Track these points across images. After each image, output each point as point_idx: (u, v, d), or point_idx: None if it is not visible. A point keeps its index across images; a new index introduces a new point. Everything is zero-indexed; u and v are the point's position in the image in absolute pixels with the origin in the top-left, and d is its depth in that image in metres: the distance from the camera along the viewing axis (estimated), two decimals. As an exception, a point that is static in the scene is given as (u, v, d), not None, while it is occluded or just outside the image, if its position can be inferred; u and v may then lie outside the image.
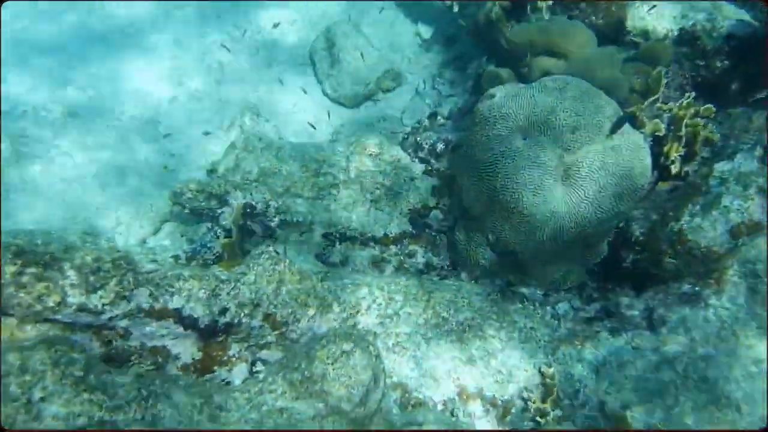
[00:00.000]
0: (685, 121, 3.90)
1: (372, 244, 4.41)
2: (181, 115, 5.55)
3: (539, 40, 4.21)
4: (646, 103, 4.01)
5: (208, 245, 4.17)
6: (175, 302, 2.84)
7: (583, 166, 3.72)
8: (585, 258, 4.03)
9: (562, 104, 3.79)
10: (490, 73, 4.35)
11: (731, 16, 4.30)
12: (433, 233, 4.55)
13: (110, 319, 2.73)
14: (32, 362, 2.23)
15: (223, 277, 3.00)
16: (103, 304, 2.69)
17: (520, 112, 3.90)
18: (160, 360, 2.91)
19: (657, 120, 3.95)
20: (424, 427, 2.77)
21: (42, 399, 2.19)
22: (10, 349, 2.24)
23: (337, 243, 4.34)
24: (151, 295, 2.77)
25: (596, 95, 3.85)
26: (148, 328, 2.85)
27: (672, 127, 4.03)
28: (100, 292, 2.68)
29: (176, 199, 4.18)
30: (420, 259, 4.46)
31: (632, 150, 3.74)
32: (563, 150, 3.79)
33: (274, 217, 4.26)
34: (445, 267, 4.49)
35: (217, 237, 4.22)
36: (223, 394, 2.59)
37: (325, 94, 6.03)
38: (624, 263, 4.03)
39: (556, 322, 4.03)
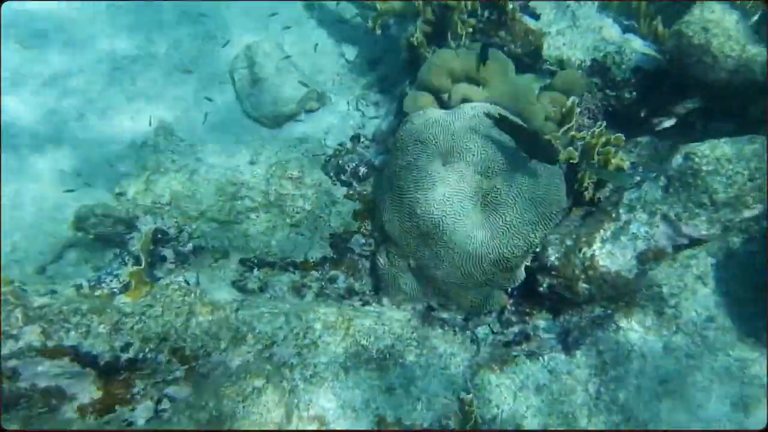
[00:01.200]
0: (597, 149, 4.01)
1: (292, 269, 4.30)
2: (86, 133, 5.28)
3: (461, 66, 4.25)
4: (560, 131, 4.11)
5: (115, 273, 3.95)
6: (71, 339, 2.64)
7: (501, 192, 3.76)
8: (503, 282, 4.07)
9: (480, 131, 3.83)
10: (410, 98, 4.36)
11: (638, 50, 4.49)
12: (355, 257, 4.49)
13: (-4, 359, 2.51)
14: None
15: (127, 311, 2.82)
16: (-12, 344, 2.47)
17: (440, 137, 3.91)
18: (54, 402, 2.69)
19: (571, 148, 4.05)
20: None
21: None
22: None
23: (255, 269, 4.21)
24: (43, 332, 2.57)
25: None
26: (39, 368, 2.63)
27: (585, 155, 4.14)
28: (-16, 331, 2.46)
29: (80, 224, 3.93)
30: (341, 284, 4.39)
31: (548, 177, 3.81)
32: (482, 176, 3.82)
33: (188, 242, 4.09)
34: (367, 292, 4.43)
35: (125, 264, 4.00)
36: (123, 438, 2.42)
37: (246, 113, 5.88)
38: (540, 287, 4.08)
39: (475, 347, 4.04)
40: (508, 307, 4.29)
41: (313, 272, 4.34)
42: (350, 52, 6.66)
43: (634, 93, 4.44)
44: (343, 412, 3.38)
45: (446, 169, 3.86)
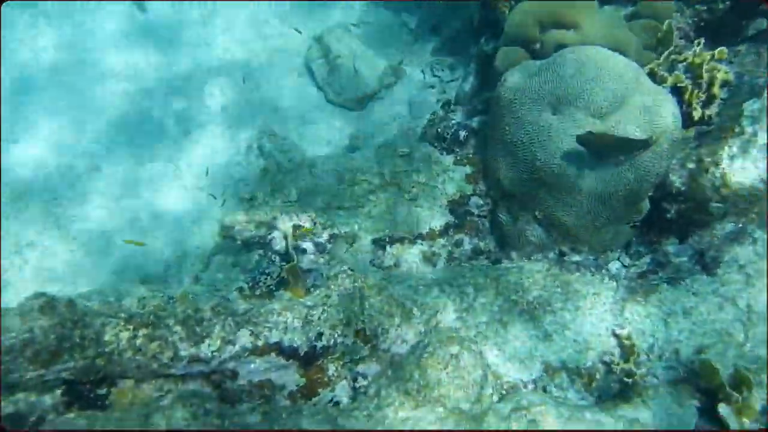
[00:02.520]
0: (703, 67, 4.00)
1: (420, 241, 4.49)
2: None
3: (545, 14, 4.28)
4: (662, 57, 4.11)
5: (267, 272, 4.22)
6: (274, 336, 2.91)
7: (618, 130, 3.81)
8: (631, 216, 4.14)
9: (586, 73, 3.88)
10: (502, 54, 4.42)
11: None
12: (474, 219, 4.64)
13: (219, 363, 2.79)
14: (175, 419, 2.29)
15: (309, 303, 3.06)
16: (212, 352, 2.75)
17: (545, 88, 3.98)
18: (267, 393, 2.98)
19: (677, 72, 4.06)
20: (533, 410, 2.88)
21: (194, 454, 2.26)
22: (153, 411, 2.30)
23: (387, 246, 4.42)
24: (252, 334, 2.83)
25: (615, 59, 3.94)
26: (252, 365, 2.91)
27: (689, 76, 4.14)
28: (207, 341, 2.74)
29: (226, 233, 4.21)
30: (467, 246, 4.55)
31: (661, 105, 3.84)
32: (595, 118, 3.88)
33: (323, 232, 4.32)
34: (492, 249, 4.59)
35: (273, 262, 4.27)
36: (344, 416, 2.67)
37: (329, 101, 6.06)
38: (668, 214, 4.14)
39: (614, 283, 4.14)
40: (634, 239, 4.36)
41: (440, 240, 4.52)
42: (411, 20, 6.73)
43: (727, 1, 4.36)
44: (512, 365, 3.58)
45: (558, 118, 3.94)
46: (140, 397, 2.63)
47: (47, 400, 2.65)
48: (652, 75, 4.07)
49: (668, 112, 3.80)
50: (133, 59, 5.94)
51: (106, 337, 2.54)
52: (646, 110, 3.79)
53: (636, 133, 3.73)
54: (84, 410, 2.51)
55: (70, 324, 2.44)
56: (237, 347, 2.79)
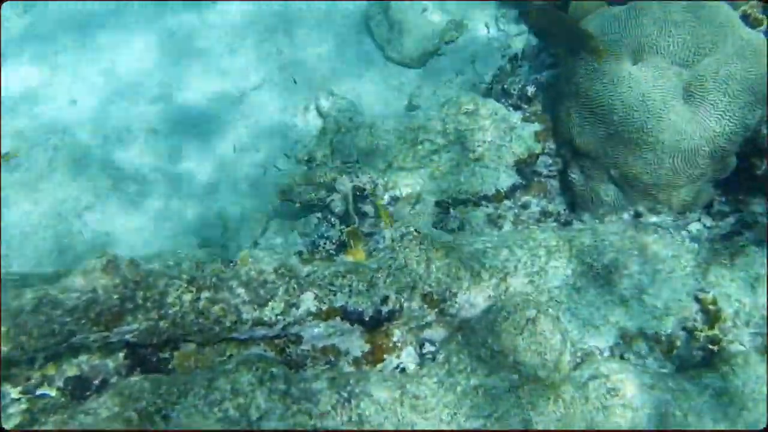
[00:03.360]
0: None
1: (485, 203, 4.30)
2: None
3: (624, -46, 3.94)
4: (761, -4, 3.74)
5: (326, 235, 4.13)
6: (339, 299, 2.80)
7: (707, 79, 3.50)
8: (716, 174, 3.84)
9: (671, 18, 3.56)
10: (577, 2, 4.11)
11: None
12: (542, 180, 4.41)
13: (283, 328, 2.71)
14: (240, 384, 2.22)
15: (374, 266, 2.94)
16: (276, 315, 2.67)
17: (625, 35, 3.68)
18: (332, 359, 2.89)
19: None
20: (612, 377, 2.69)
21: (259, 418, 2.19)
22: (219, 374, 2.24)
23: (451, 209, 4.25)
24: (316, 297, 2.74)
25: (704, 1, 3.60)
26: (316, 330, 2.83)
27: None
28: (271, 304, 2.65)
29: (285, 196, 4.13)
30: (534, 208, 4.34)
31: (755, 52, 3.50)
32: (681, 66, 3.57)
33: (384, 194, 4.18)
34: (562, 212, 4.36)
35: (332, 225, 4.17)
36: (413, 383, 2.56)
37: (389, 59, 5.85)
38: (758, 171, 3.81)
39: (696, 245, 3.87)
40: (716, 198, 4.06)
41: (506, 202, 4.31)
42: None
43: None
44: (587, 331, 3.38)
45: (638, 67, 3.64)
46: (203, 362, 2.58)
47: (110, 363, 2.64)
48: (744, 17, 3.70)
49: (763, 59, 3.45)
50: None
51: (169, 299, 2.48)
52: (740, 57, 3.45)
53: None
54: (147, 374, 2.48)
55: (132, 285, 2.39)
56: (301, 310, 2.70)
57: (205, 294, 2.54)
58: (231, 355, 2.68)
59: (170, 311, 2.47)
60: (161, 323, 2.47)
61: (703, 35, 3.51)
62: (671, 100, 3.55)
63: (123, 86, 5.68)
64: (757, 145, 3.78)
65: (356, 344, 2.93)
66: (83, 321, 2.32)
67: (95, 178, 5.03)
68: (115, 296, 2.37)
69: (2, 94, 5.44)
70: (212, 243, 4.39)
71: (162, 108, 5.52)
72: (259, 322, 2.65)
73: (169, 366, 2.62)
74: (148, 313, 2.44)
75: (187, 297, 2.50)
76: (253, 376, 2.27)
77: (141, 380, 2.37)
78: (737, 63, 3.48)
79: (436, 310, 3.05)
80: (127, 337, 2.48)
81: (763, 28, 3.69)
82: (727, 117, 3.51)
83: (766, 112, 3.60)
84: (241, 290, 2.62)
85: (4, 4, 5.90)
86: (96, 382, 2.60)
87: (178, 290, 2.49)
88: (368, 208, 4.22)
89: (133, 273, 2.41)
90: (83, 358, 2.58)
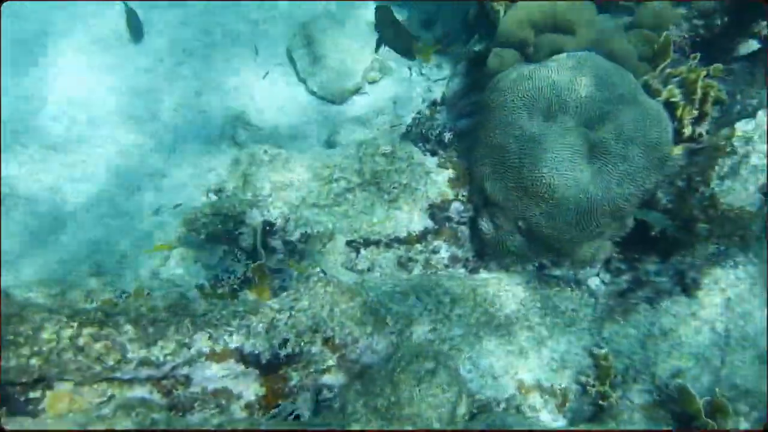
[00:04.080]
0: (698, 82, 3.88)
1: (396, 245, 4.29)
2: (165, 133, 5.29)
3: (542, 17, 4.11)
4: (657, 70, 3.98)
5: (230, 270, 4.00)
6: (235, 341, 2.68)
7: (610, 142, 3.67)
8: (614, 232, 4.01)
9: (580, 81, 3.73)
10: (494, 56, 4.24)
11: (727, -27, 4.28)
12: (453, 225, 4.46)
13: (172, 368, 2.56)
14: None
15: (276, 307, 2.85)
16: (165, 355, 2.51)
17: (537, 93, 3.82)
18: (223, 402, 2.75)
19: (671, 86, 3.93)
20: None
21: (135, 472, 2.03)
22: (92, 419, 2.06)
23: (362, 249, 4.21)
24: (210, 337, 2.61)
25: (611, 68, 3.81)
26: (208, 372, 2.69)
27: (682, 91, 4.01)
28: (160, 343, 2.50)
29: (190, 226, 3.96)
30: (444, 254, 4.37)
31: (654, 119, 3.71)
32: (587, 128, 3.73)
33: (294, 230, 4.10)
34: (470, 259, 4.41)
35: (238, 260, 4.04)
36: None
37: (311, 93, 5.83)
38: (653, 232, 4.01)
39: (593, 300, 4.01)
40: (615, 255, 4.23)
41: (417, 245, 4.32)
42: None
43: (726, 18, 4.25)
44: (484, 381, 3.40)
45: (549, 125, 3.77)
46: (79, 403, 2.38)
47: (-31, 404, 2.39)
48: (646, 87, 3.93)
49: (662, 127, 3.66)
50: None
51: (45, 335, 2.28)
52: (640, 123, 3.65)
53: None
54: (12, 415, 2.25)
55: (5, 318, 2.19)
56: (193, 351, 2.55)
57: (87, 330, 2.36)
58: (112, 396, 2.49)
59: (44, 348, 2.27)
60: (33, 360, 2.26)
61: (608, 100, 3.69)
62: (577, 158, 3.69)
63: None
64: (652, 207, 3.98)
65: (250, 388, 2.81)
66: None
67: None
68: (-18, 330, 2.15)
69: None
70: (106, 271, 4.14)
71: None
72: (145, 362, 2.48)
73: (39, 407, 2.40)
74: (19, 349, 2.23)
75: (67, 332, 2.31)
76: (132, 422, 2.11)
77: (3, 422, 2.15)
78: (638, 129, 3.67)
79: (337, 354, 2.98)
80: (-6, 374, 2.25)
81: (661, 98, 3.92)
82: (627, 180, 3.68)
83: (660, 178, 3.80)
84: (128, 327, 2.45)
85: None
86: (-47, 423, 2.34)
87: (56, 325, 2.30)
88: (277, 243, 4.13)
89: (6, 306, 2.21)
90: (-61, 395, 2.32)
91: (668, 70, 4.07)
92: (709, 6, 4.31)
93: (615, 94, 3.70)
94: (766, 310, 3.79)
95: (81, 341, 2.34)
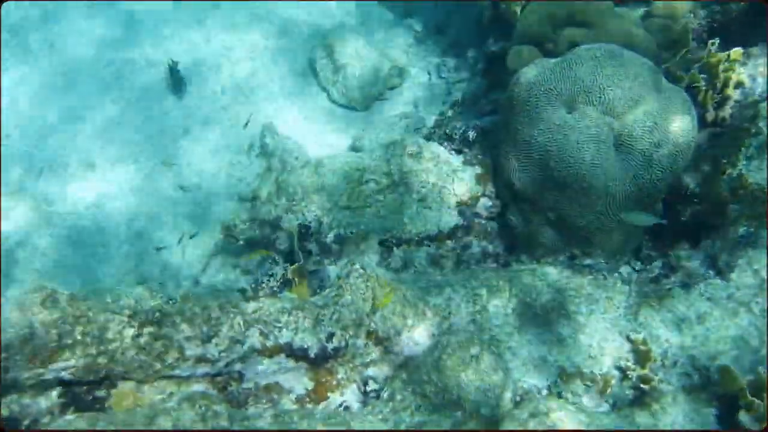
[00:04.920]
0: (720, 67, 3.93)
1: (427, 242, 4.38)
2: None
3: (560, 12, 4.20)
4: (678, 56, 4.04)
5: (270, 273, 4.11)
6: (285, 336, 2.78)
7: (635, 129, 3.73)
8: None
9: (602, 72, 3.80)
10: (514, 53, 4.33)
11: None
12: (482, 221, 4.53)
13: (226, 365, 2.66)
14: (183, 422, 2.15)
15: (320, 303, 2.94)
16: (220, 352, 2.62)
17: (561, 86, 3.89)
18: (275, 397, 2.85)
19: (693, 71, 3.98)
20: (552, 415, 2.76)
21: (202, 459, 2.13)
22: (159, 412, 2.17)
23: (395, 248, 4.30)
24: (261, 333, 2.71)
25: (632, 57, 3.87)
26: (260, 367, 2.78)
27: (704, 77, 4.06)
28: (215, 340, 2.61)
29: (228, 233, 4.09)
30: (476, 249, 4.44)
31: (678, 105, 3.76)
32: (612, 117, 3.79)
33: (329, 233, 4.21)
34: (501, 253, 4.48)
35: (276, 263, 4.15)
36: (357, 420, 2.55)
37: (333, 101, 5.96)
38: (682, 217, 4.05)
39: (627, 287, 4.04)
40: (644, 243, 4.27)
41: (448, 242, 4.41)
42: (415, 22, 6.65)
43: (741, 2, 4.30)
44: (525, 369, 3.46)
45: (573, 116, 3.85)
46: (141, 400, 2.49)
47: (42, 402, 2.50)
48: (668, 74, 3.98)
49: (685, 112, 3.71)
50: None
51: (109, 335, 2.40)
52: (663, 108, 3.71)
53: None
54: (82, 413, 2.37)
55: (72, 319, 2.31)
56: (245, 347, 2.66)
57: (147, 329, 2.47)
58: (172, 394, 2.59)
59: (110, 347, 2.39)
60: (99, 359, 2.38)
61: (630, 89, 3.75)
62: (603, 147, 3.76)
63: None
64: (680, 193, 4.02)
65: (300, 382, 2.90)
66: (18, 357, 2.21)
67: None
68: (54, 331, 2.27)
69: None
70: (150, 281, 4.27)
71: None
72: (202, 359, 2.59)
73: (106, 405, 2.51)
74: (87, 348, 2.35)
75: (129, 332, 2.42)
76: (196, 413, 2.21)
77: (75, 419, 2.27)
78: (662, 115, 3.72)
79: (381, 347, 3.06)
80: (63, 374, 2.37)
81: (683, 84, 3.97)
82: (654, 165, 3.73)
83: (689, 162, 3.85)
84: (184, 326, 2.56)
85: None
86: (26, 423, 2.46)
87: (119, 325, 2.42)
88: (312, 246, 4.23)
89: (73, 307, 2.33)
90: (13, 396, 2.44)
91: (689, 56, 4.12)
92: (725, -9, 4.37)
93: (637, 82, 3.76)
94: None
95: (142, 340, 2.45)
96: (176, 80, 5.48)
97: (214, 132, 5.44)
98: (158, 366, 2.49)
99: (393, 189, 4.40)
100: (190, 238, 4.38)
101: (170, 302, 2.91)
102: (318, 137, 5.57)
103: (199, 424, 2.19)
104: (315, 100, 5.89)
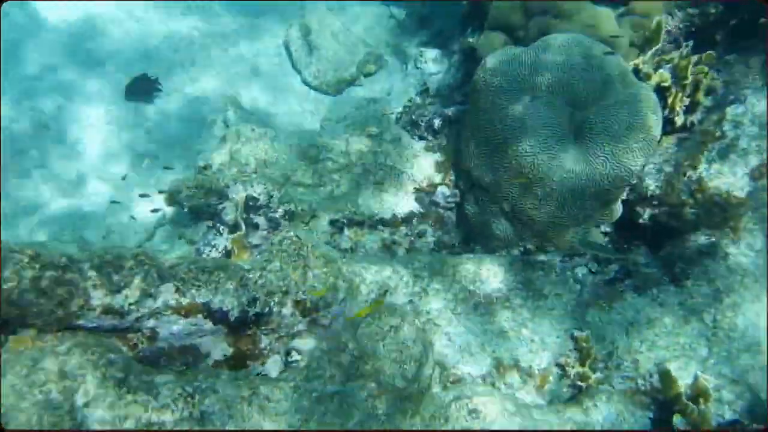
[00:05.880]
0: (689, 69, 3.85)
1: (380, 227, 4.26)
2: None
3: (534, 3, 4.12)
4: (648, 54, 3.96)
5: (212, 243, 3.98)
6: (203, 296, 2.65)
7: (596, 122, 3.64)
8: (601, 218, 3.96)
9: (568, 61, 3.71)
10: (484, 39, 4.25)
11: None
12: (440, 210, 4.43)
13: (137, 319, 2.52)
14: (70, 367, 2.02)
15: (247, 267, 2.81)
16: (129, 304, 2.48)
17: (524, 73, 3.80)
18: (190, 360, 2.71)
19: (662, 70, 3.90)
20: (476, 399, 2.64)
21: (86, 405, 1.99)
22: (45, 354, 2.03)
23: (345, 229, 4.18)
24: (177, 290, 2.57)
25: (601, 50, 3.79)
26: (175, 327, 2.65)
27: (674, 78, 3.98)
28: (125, 291, 2.47)
29: (173, 198, 3.95)
30: (430, 238, 4.34)
31: (643, 102, 3.68)
32: (573, 108, 3.70)
33: (278, 207, 4.08)
34: (456, 245, 4.38)
35: (220, 234, 4.02)
36: (269, 385, 2.42)
37: (306, 83, 5.85)
38: (641, 219, 3.96)
39: (579, 286, 3.95)
40: (603, 243, 4.17)
41: (402, 228, 4.29)
42: (399, 11, 6.57)
43: (720, 6, 4.22)
44: (461, 357, 3.34)
45: (534, 104, 3.75)
46: (43, 347, 2.34)
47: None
48: (636, 71, 3.90)
49: (649, 109, 3.63)
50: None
51: (6, 273, 2.26)
52: (627, 105, 3.62)
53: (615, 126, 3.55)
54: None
55: (-35, 254, 2.17)
56: (159, 303, 2.52)
57: (50, 273, 2.33)
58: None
59: (5, 286, 2.25)
60: (-7, 299, 2.24)
61: (595, 81, 3.67)
62: (563, 138, 3.66)
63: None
64: (640, 194, 3.93)
65: (219, 347, 2.77)
66: None
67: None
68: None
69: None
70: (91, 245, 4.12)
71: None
72: (108, 310, 2.45)
73: (1, 350, 2.36)
74: (-21, 286, 2.21)
75: (29, 273, 2.28)
76: (87, 359, 2.07)
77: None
78: (625, 110, 3.64)
79: (308, 319, 2.93)
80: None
81: (651, 82, 3.89)
82: (613, 161, 3.64)
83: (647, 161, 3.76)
84: (92, 273, 2.42)
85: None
86: None
87: (17, 264, 2.28)
88: (260, 220, 4.10)
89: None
90: None
91: (660, 56, 4.04)
92: (702, -7, 4.29)
93: (603, 75, 3.68)
94: (765, 301, 3.68)
95: (43, 283, 2.31)
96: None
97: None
98: (60, 313, 2.35)
99: (349, 169, 4.28)
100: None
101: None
102: (283, 116, 5.45)
103: (89, 370, 2.05)
104: (287, 81, 5.78)
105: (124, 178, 4.36)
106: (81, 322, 2.47)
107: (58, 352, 2.05)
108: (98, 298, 2.44)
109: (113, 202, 4.27)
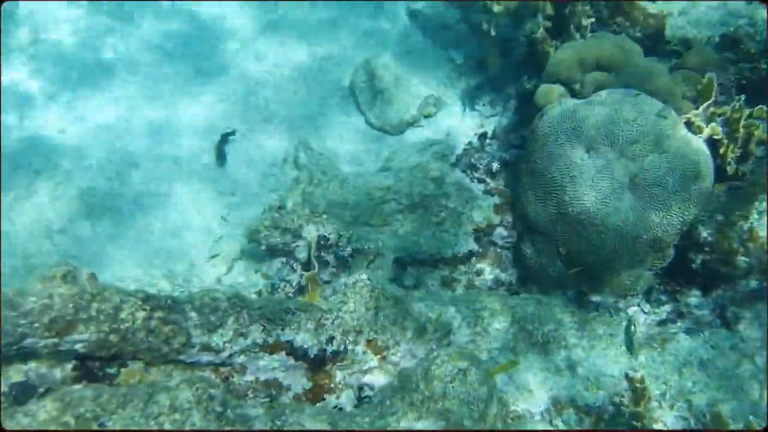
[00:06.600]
0: (741, 122, 4.00)
1: (441, 265, 4.52)
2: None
3: (589, 56, 4.35)
4: (701, 108, 4.12)
5: (286, 279, 4.31)
6: (287, 335, 2.96)
7: (650, 173, 3.83)
8: (655, 263, 4.12)
9: (623, 115, 3.92)
10: (542, 91, 4.49)
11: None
12: (498, 250, 4.66)
13: (229, 356, 2.85)
14: (179, 402, 2.35)
15: (324, 307, 3.12)
16: (224, 342, 2.81)
17: (581, 126, 4.03)
18: (273, 392, 3.02)
19: (714, 123, 4.06)
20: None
21: (193, 436, 2.31)
22: (158, 390, 2.37)
23: (408, 267, 4.46)
24: (264, 330, 2.89)
25: (654, 104, 3.98)
26: (261, 362, 2.96)
27: (726, 130, 4.13)
28: (220, 331, 2.80)
29: (252, 237, 4.32)
30: (488, 276, 4.57)
31: (695, 154, 3.85)
32: (628, 159, 3.91)
33: (347, 246, 4.39)
34: (513, 282, 4.59)
35: (294, 270, 4.35)
36: (346, 420, 2.70)
37: (370, 124, 6.19)
38: (693, 265, 4.10)
39: (633, 327, 4.10)
40: (656, 287, 4.32)
41: (461, 267, 4.54)
42: (458, 55, 6.85)
43: (773, 63, 4.38)
44: (520, 394, 3.55)
45: (591, 155, 3.97)
46: (148, 380, 2.70)
47: (57, 373, 2.73)
48: (689, 125, 4.08)
49: (702, 161, 3.80)
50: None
51: (122, 315, 2.62)
52: (680, 156, 3.80)
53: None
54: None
55: (88, 296, 2.54)
56: (249, 341, 2.85)
57: (158, 313, 2.69)
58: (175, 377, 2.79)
59: (122, 326, 2.61)
60: (111, 336, 2.60)
61: (648, 134, 3.86)
62: (617, 187, 3.87)
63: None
64: (693, 240, 4.08)
65: (299, 381, 3.07)
66: (36, 325, 2.45)
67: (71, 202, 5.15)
68: (71, 305, 2.51)
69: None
70: (175, 277, 4.52)
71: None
72: (206, 347, 2.79)
73: (115, 381, 2.73)
74: (100, 325, 2.58)
75: (141, 314, 2.64)
76: (193, 395, 2.40)
77: (83, 388, 2.48)
78: (678, 162, 3.82)
79: (379, 356, 3.21)
80: (77, 346, 2.60)
81: (703, 135, 4.05)
82: (665, 210, 3.82)
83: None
84: (193, 314, 2.77)
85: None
86: (41, 390, 2.69)
87: (132, 307, 2.64)
88: (330, 258, 4.42)
89: (91, 285, 2.57)
90: (32, 365, 2.68)
91: (712, 110, 4.20)
92: (754, 50, 4.45)
93: (656, 128, 3.87)
94: None
95: (152, 323, 2.66)
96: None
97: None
98: (165, 349, 2.70)
99: (412, 210, 4.57)
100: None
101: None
102: (351, 157, 5.79)
103: (194, 404, 2.37)
104: (352, 122, 6.13)
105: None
106: (181, 357, 2.81)
107: (169, 387, 2.38)
108: (197, 336, 2.78)
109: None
